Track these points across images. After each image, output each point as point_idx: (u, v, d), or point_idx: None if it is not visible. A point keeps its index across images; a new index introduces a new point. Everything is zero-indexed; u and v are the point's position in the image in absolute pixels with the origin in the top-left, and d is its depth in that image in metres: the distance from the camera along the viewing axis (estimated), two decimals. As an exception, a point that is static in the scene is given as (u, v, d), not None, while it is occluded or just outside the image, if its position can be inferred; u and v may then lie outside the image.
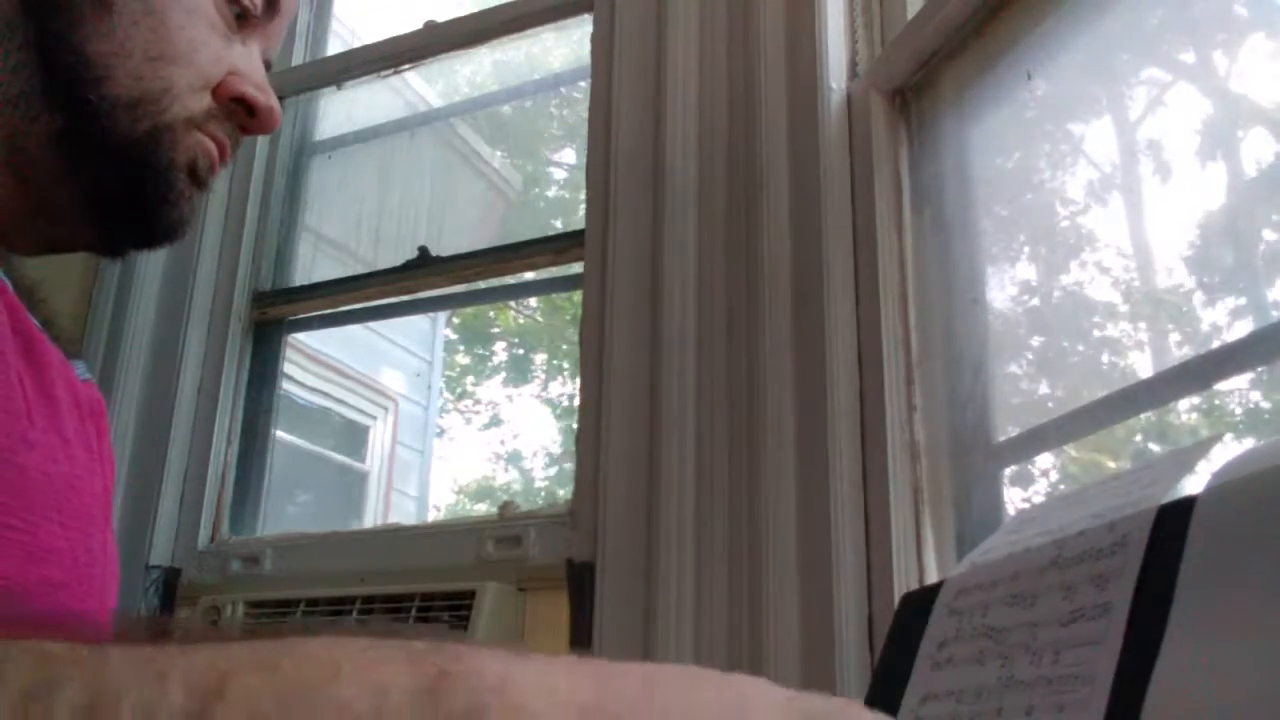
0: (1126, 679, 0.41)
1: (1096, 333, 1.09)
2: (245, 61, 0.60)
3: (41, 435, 0.49)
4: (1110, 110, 1.10)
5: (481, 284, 1.89)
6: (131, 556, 1.69)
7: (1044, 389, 1.16)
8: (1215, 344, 0.91)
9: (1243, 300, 0.96)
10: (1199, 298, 0.98)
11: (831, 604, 1.09)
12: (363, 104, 2.06)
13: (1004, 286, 1.16)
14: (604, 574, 1.29)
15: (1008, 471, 1.09)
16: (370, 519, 2.71)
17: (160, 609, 1.68)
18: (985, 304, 1.13)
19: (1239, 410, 0.93)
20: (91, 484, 0.54)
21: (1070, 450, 1.07)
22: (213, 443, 1.77)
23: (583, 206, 1.55)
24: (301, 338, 2.03)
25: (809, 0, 1.32)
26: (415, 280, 1.82)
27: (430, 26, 1.92)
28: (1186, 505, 0.43)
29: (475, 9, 1.92)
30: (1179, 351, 0.99)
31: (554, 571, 1.36)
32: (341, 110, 2.07)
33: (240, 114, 0.60)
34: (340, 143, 2.07)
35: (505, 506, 1.51)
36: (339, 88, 2.03)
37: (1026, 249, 1.19)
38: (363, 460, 2.74)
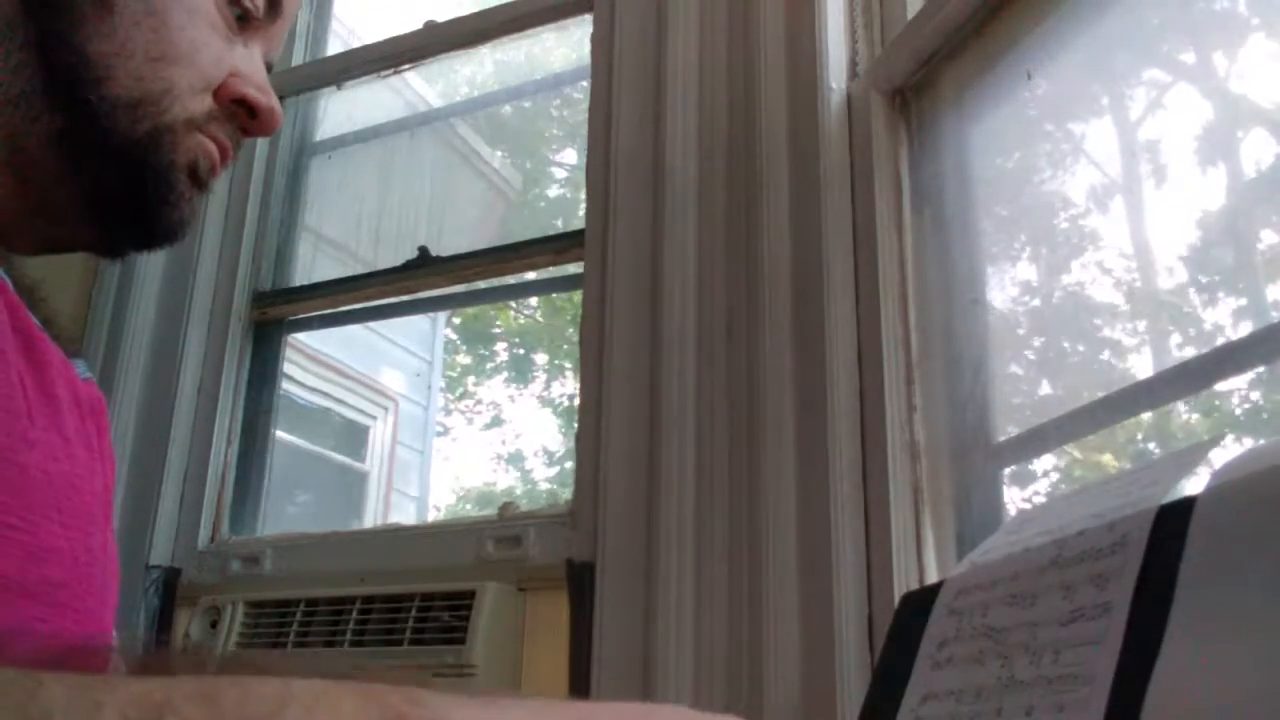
0: (1126, 679, 0.41)
1: (1097, 333, 1.09)
2: (247, 63, 0.60)
3: (42, 434, 0.49)
4: (1110, 110, 1.10)
5: (481, 284, 1.89)
6: (131, 556, 1.69)
7: (1044, 389, 1.16)
8: (1215, 344, 0.91)
9: (1243, 301, 0.96)
10: (1199, 298, 0.98)
11: (831, 604, 1.09)
12: (363, 104, 2.06)
13: (1004, 286, 1.16)
14: (604, 574, 1.29)
15: (1008, 471, 1.09)
16: (370, 519, 2.71)
17: (160, 609, 1.68)
18: (985, 304, 1.13)
19: (1239, 410, 0.93)
20: (92, 483, 0.53)
21: (1073, 451, 1.07)
22: (213, 443, 1.77)
23: (583, 206, 1.55)
24: (301, 338, 2.03)
25: (809, 0, 1.32)
26: (415, 280, 1.82)
27: (430, 26, 1.92)
28: (1186, 505, 0.43)
29: (475, 9, 1.92)
30: (1179, 352, 0.99)
31: (554, 571, 1.36)
32: (341, 110, 2.07)
33: (241, 115, 0.60)
34: (340, 143, 2.07)
35: (505, 506, 1.51)
36: (339, 88, 2.03)
37: (1027, 249, 1.19)
38: (363, 460, 2.74)
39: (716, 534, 1.22)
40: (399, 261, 1.83)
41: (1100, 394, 0.99)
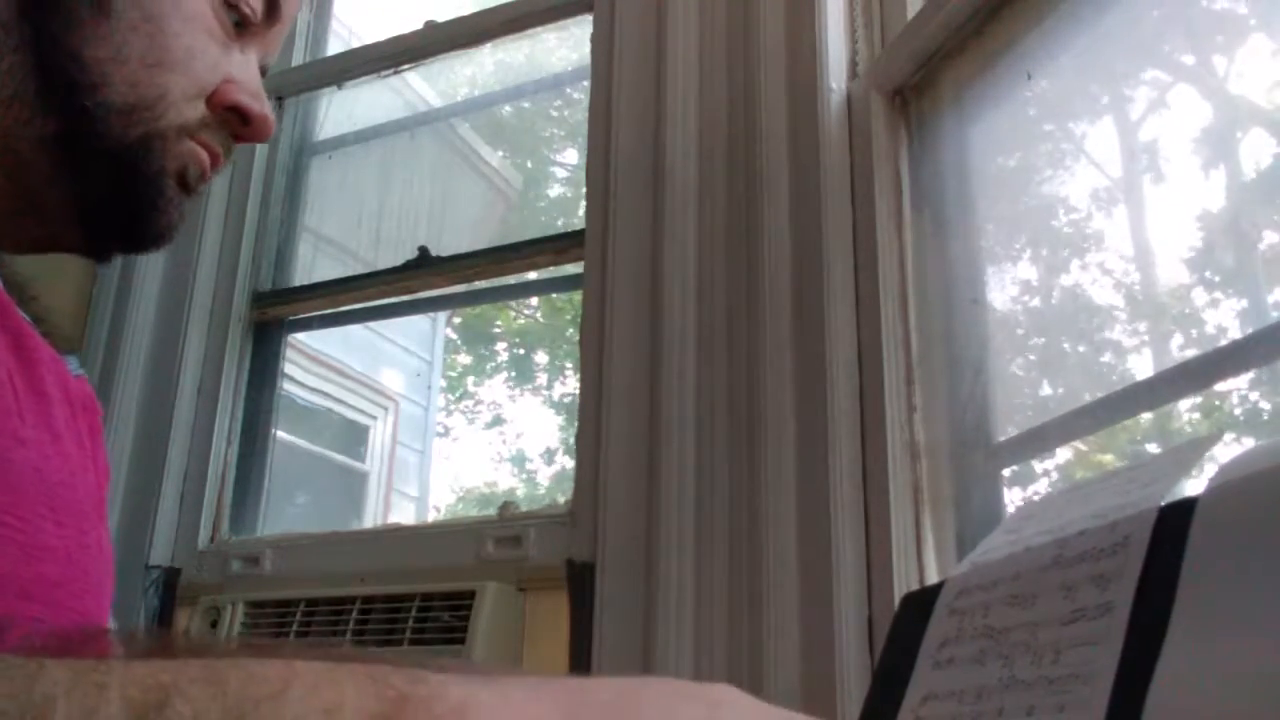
0: (1128, 679, 0.41)
1: (1097, 333, 1.09)
2: (242, 69, 0.60)
3: (32, 432, 0.48)
4: (1110, 111, 1.10)
5: (481, 284, 1.89)
6: (131, 556, 1.69)
7: (1044, 389, 1.16)
8: (1216, 344, 0.91)
9: (1244, 301, 0.96)
10: (1199, 298, 0.98)
11: (831, 604, 1.09)
12: (363, 104, 2.06)
13: (1004, 286, 1.16)
14: (604, 574, 1.29)
15: (1008, 471, 1.09)
16: (370, 519, 2.71)
17: (160, 609, 1.68)
18: (985, 304, 1.13)
19: (1239, 410, 0.93)
20: (84, 480, 0.53)
21: (1077, 446, 1.07)
22: (213, 443, 1.77)
23: (583, 206, 1.55)
24: (301, 338, 2.03)
25: (809, 0, 1.32)
26: (415, 280, 1.82)
27: (430, 26, 1.92)
28: (1188, 505, 0.43)
29: (475, 9, 1.92)
30: (1179, 352, 0.99)
31: (554, 571, 1.36)
32: (341, 110, 2.07)
33: (234, 122, 0.60)
34: (340, 143, 2.07)
35: (505, 506, 1.51)
36: (339, 88, 2.03)
37: (1027, 249, 1.19)
38: (363, 460, 2.74)
39: (716, 534, 1.22)
40: (399, 261, 1.83)
41: (1100, 394, 0.99)
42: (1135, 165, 1.07)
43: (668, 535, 1.24)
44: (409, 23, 1.95)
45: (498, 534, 1.46)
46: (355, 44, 2.10)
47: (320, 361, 2.30)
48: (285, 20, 0.63)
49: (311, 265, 1.99)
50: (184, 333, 1.82)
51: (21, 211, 0.55)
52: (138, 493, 1.74)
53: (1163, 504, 0.45)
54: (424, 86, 2.14)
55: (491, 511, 1.55)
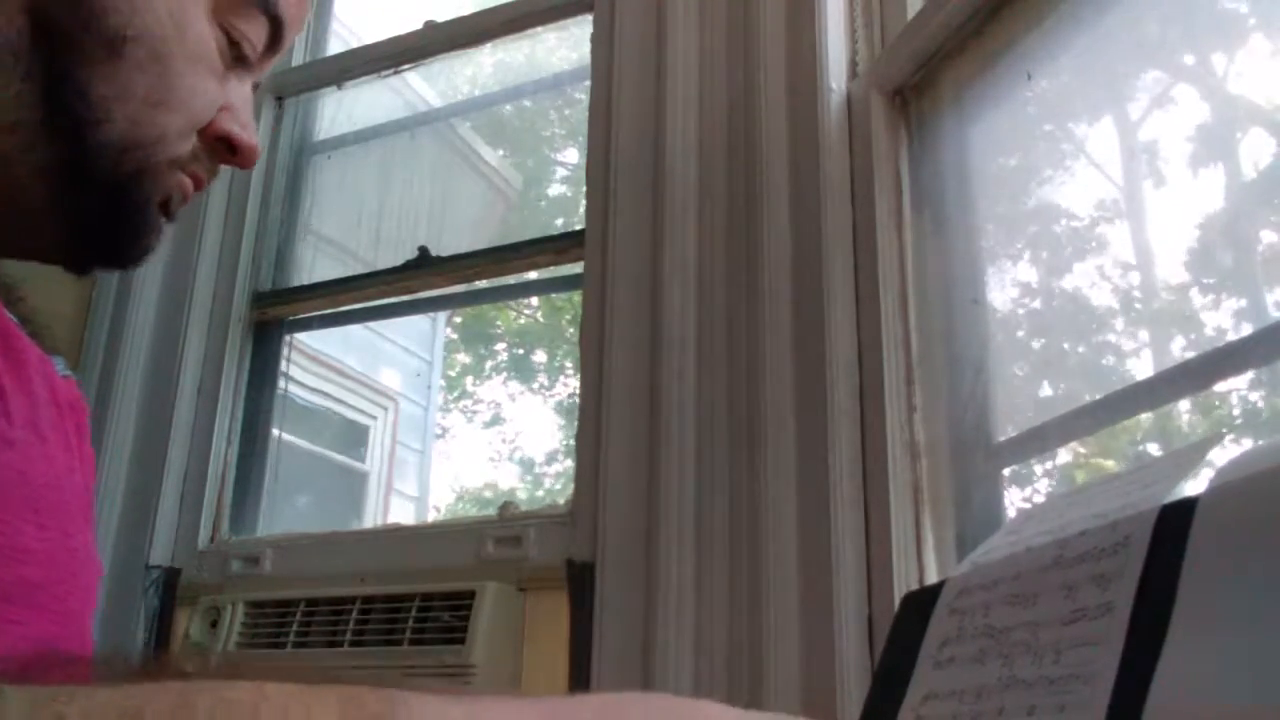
0: (1128, 679, 0.41)
1: (1097, 333, 1.09)
2: (236, 95, 0.60)
3: (19, 433, 0.48)
4: (1110, 111, 1.10)
5: (481, 284, 1.89)
6: (131, 556, 1.69)
7: (1044, 389, 1.16)
8: (1215, 345, 0.91)
9: (1243, 301, 0.97)
10: (1199, 298, 0.99)
11: (831, 604, 1.09)
12: (363, 104, 2.06)
13: (1004, 286, 1.16)
14: (604, 574, 1.29)
15: (1008, 471, 1.09)
16: (370, 519, 2.71)
17: (160, 609, 1.68)
18: (985, 304, 1.13)
19: (1239, 411, 0.93)
20: (71, 482, 0.53)
21: (1078, 449, 1.07)
22: (213, 443, 1.77)
23: (584, 205, 1.55)
24: (301, 338, 2.03)
25: (809, 0, 1.32)
26: (415, 280, 1.82)
27: (430, 26, 1.92)
28: (1189, 505, 0.43)
29: (475, 9, 1.92)
30: (1179, 352, 0.99)
31: (554, 571, 1.36)
32: (341, 110, 2.07)
33: (222, 150, 0.60)
34: (340, 143, 2.07)
35: (505, 506, 1.51)
36: (339, 88, 2.03)
37: (1027, 249, 1.19)
38: (363, 460, 2.74)
39: (716, 534, 1.22)
40: (399, 261, 1.83)
41: (1100, 394, 0.99)
42: (1135, 165, 1.07)
43: (668, 535, 1.24)
44: (409, 23, 1.96)
45: (498, 534, 1.46)
46: (355, 44, 2.10)
47: (320, 361, 2.30)
48: (284, 50, 0.63)
49: (311, 265, 1.99)
50: (184, 333, 1.82)
51: (8, 228, 0.56)
52: (138, 493, 1.74)
53: (1163, 504, 0.45)
54: (424, 86, 2.14)
55: (491, 511, 1.55)
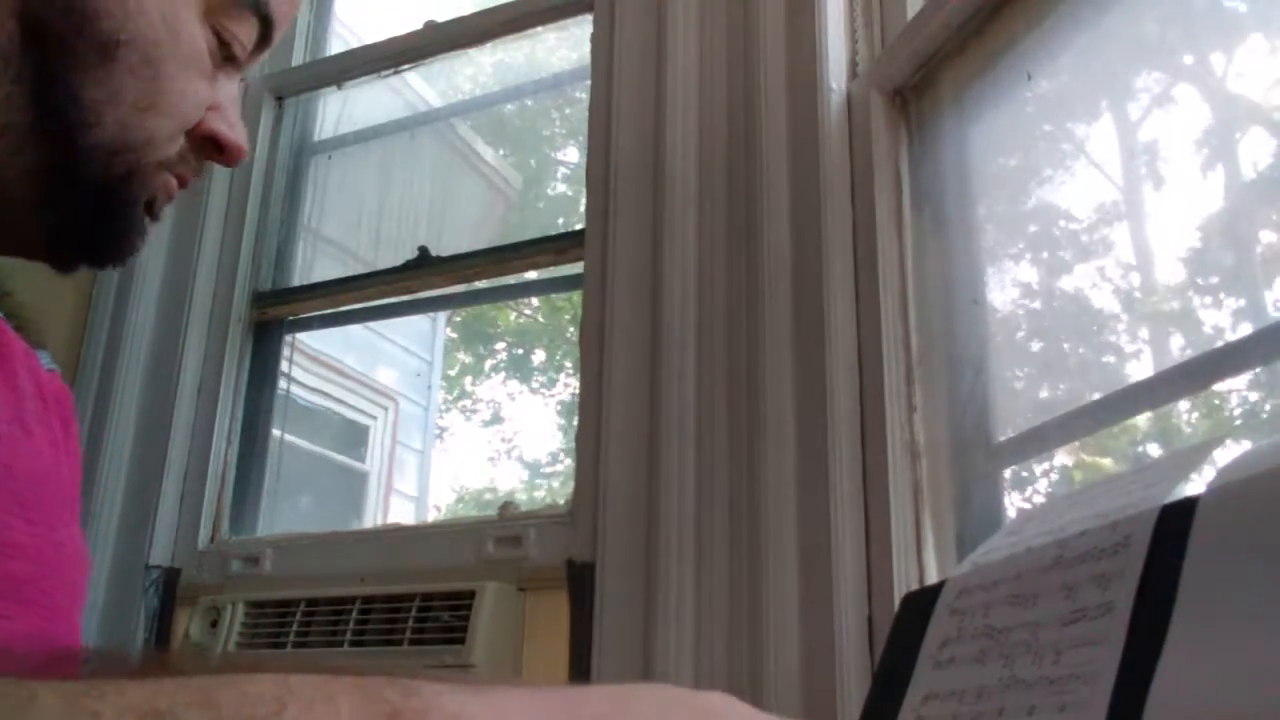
0: (1129, 679, 0.41)
1: (1097, 333, 1.09)
2: (224, 93, 0.60)
3: (4, 427, 0.48)
4: (1110, 111, 1.10)
5: (481, 284, 1.89)
6: (131, 556, 1.69)
7: (1044, 389, 1.16)
8: (1215, 345, 0.91)
9: (1242, 301, 0.97)
10: (1198, 298, 0.99)
11: (831, 604, 1.09)
12: (363, 104, 2.06)
13: (1004, 287, 1.16)
14: (604, 574, 1.29)
15: (1008, 471, 1.09)
16: (370, 519, 2.71)
17: (160, 609, 1.68)
18: (985, 304, 1.13)
19: (1239, 411, 0.93)
20: (57, 477, 0.53)
21: (1077, 449, 1.07)
22: (213, 443, 1.77)
23: (584, 204, 1.55)
24: (302, 338, 2.03)
25: (809, 0, 1.32)
26: (415, 280, 1.82)
27: (430, 26, 1.92)
28: (1189, 505, 0.43)
29: (475, 9, 1.92)
30: (1179, 352, 0.99)
31: (554, 571, 1.36)
32: (342, 110, 2.07)
33: (209, 148, 0.61)
34: (340, 143, 2.07)
35: (505, 506, 1.51)
36: (339, 88, 2.03)
37: (1027, 250, 1.19)
38: (363, 460, 2.73)
39: (716, 534, 1.22)
40: (399, 261, 1.83)
41: (1100, 394, 0.99)
42: (1135, 165, 1.07)
43: (668, 535, 1.24)
44: (409, 23, 1.96)
45: (498, 534, 1.46)
46: (355, 44, 2.10)
47: (320, 361, 2.30)
48: (273, 45, 0.63)
49: (311, 265, 1.98)
50: (184, 333, 1.82)
51: None
52: (138, 493, 1.74)
53: (1163, 504, 0.45)
54: (424, 86, 2.14)
55: (491, 511, 1.55)
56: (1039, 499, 1.09)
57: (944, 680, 0.53)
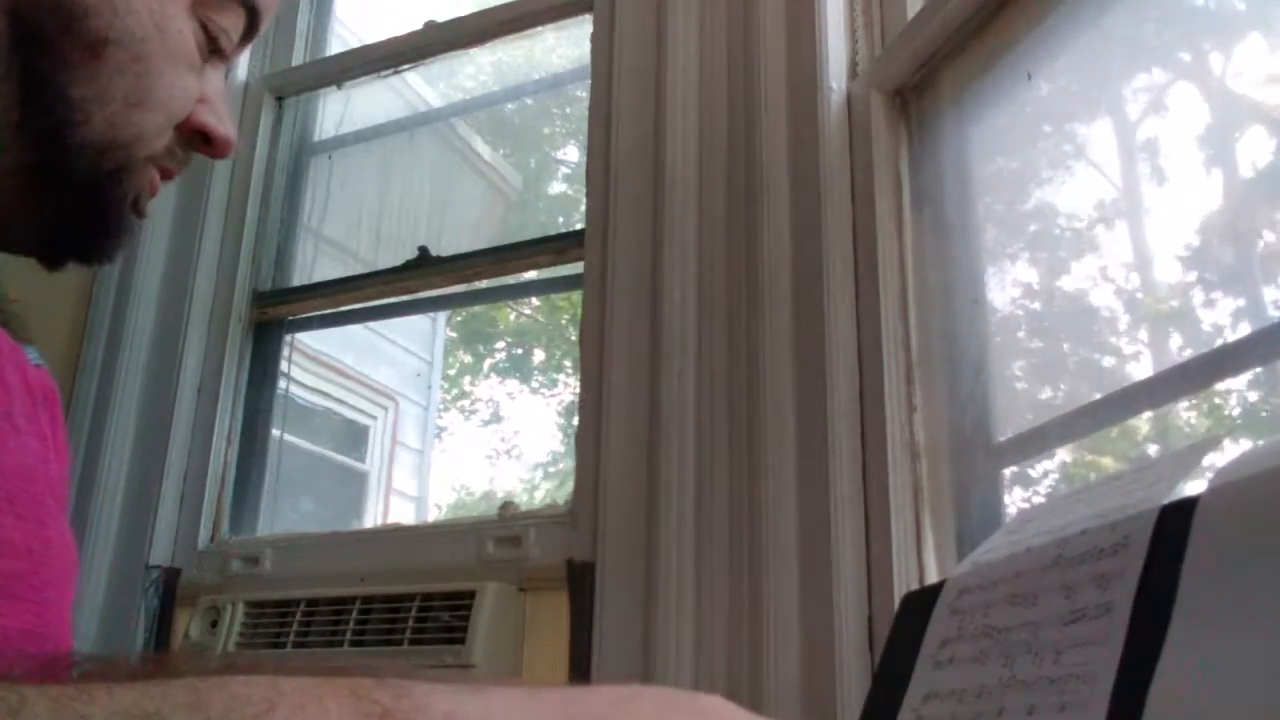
0: (1128, 679, 0.41)
1: (1097, 333, 1.09)
2: (211, 85, 0.60)
3: None
4: (1110, 110, 1.10)
5: (481, 284, 1.89)
6: (131, 556, 1.69)
7: (1045, 389, 1.16)
8: (1215, 344, 0.91)
9: (1241, 301, 0.97)
10: (1198, 298, 0.99)
11: (831, 604, 1.09)
12: (363, 104, 2.06)
13: (1004, 287, 1.16)
14: (604, 574, 1.29)
15: (1008, 471, 1.09)
16: (370, 519, 2.71)
17: (160, 609, 1.68)
18: (985, 304, 1.13)
19: (1238, 411, 0.93)
20: (46, 472, 0.53)
21: (1077, 449, 1.07)
22: (213, 443, 1.77)
23: (584, 204, 1.55)
24: (301, 337, 2.03)
25: (809, 0, 1.32)
26: (415, 280, 1.82)
27: (430, 26, 1.92)
28: (1189, 505, 0.43)
29: (475, 9, 1.92)
30: (1179, 352, 0.99)
31: (554, 571, 1.36)
32: (342, 110, 2.07)
33: (197, 141, 0.61)
34: (340, 143, 2.07)
35: (505, 506, 1.51)
36: (339, 88, 2.03)
37: (1027, 249, 1.19)
38: (363, 460, 2.73)
39: (716, 534, 1.22)
40: (399, 261, 1.83)
41: (1100, 394, 0.99)
42: (1135, 165, 1.07)
43: (668, 535, 1.24)
44: (409, 23, 1.95)
45: (498, 534, 1.46)
46: (355, 44, 2.10)
47: (320, 361, 2.30)
48: (259, 35, 0.63)
49: (311, 265, 1.98)
50: (184, 333, 1.82)
51: None
52: (138, 493, 1.74)
53: (1163, 504, 0.45)
54: (424, 86, 2.14)
55: (491, 511, 1.55)
56: (1039, 499, 1.09)
57: (944, 680, 0.53)
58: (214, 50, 0.59)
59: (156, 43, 0.55)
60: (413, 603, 1.40)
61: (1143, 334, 1.05)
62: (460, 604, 1.37)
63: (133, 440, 1.78)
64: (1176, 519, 0.43)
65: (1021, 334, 1.18)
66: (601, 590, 1.28)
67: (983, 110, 1.19)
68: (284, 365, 1.92)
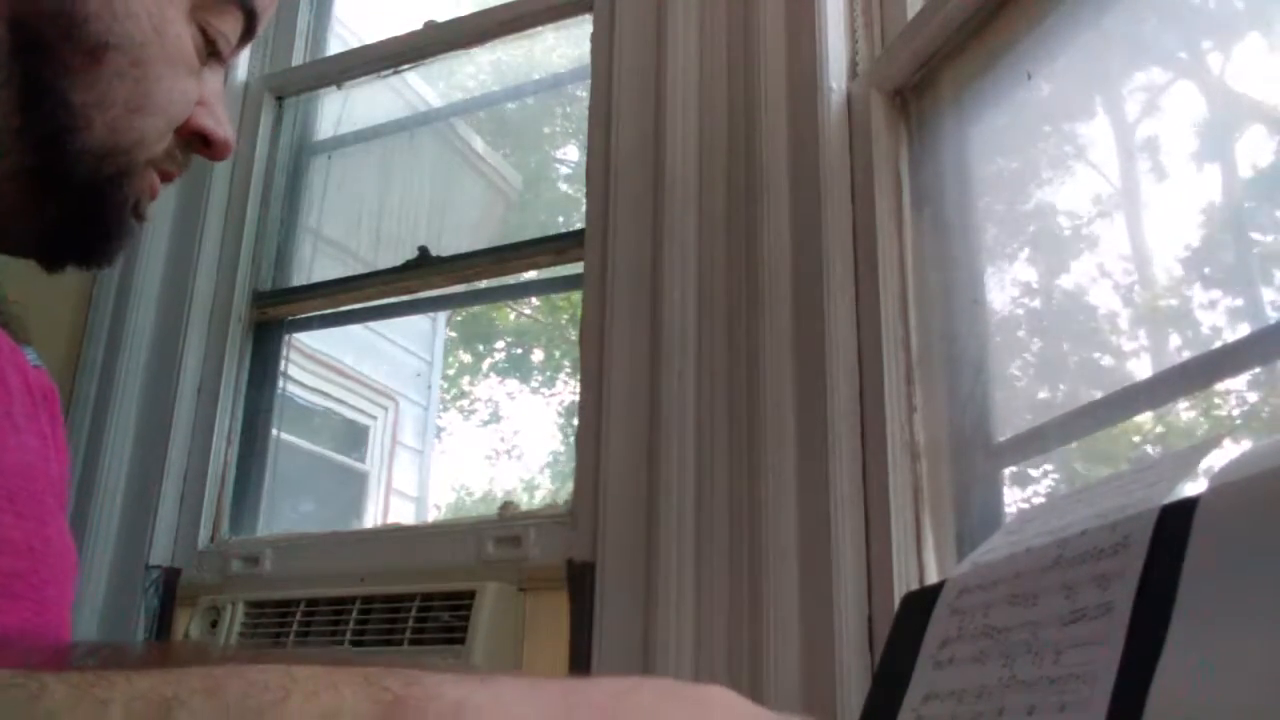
0: (1128, 679, 0.41)
1: (1097, 333, 1.09)
2: (209, 88, 0.60)
3: None
4: (1110, 110, 1.10)
5: (481, 284, 1.89)
6: (131, 556, 1.69)
7: (1044, 389, 1.16)
8: (1214, 344, 0.91)
9: (1239, 301, 0.97)
10: (1198, 298, 0.99)
11: (831, 604, 1.09)
12: (363, 104, 2.06)
13: (1004, 287, 1.16)
14: (604, 574, 1.29)
15: (1008, 471, 1.09)
16: (370, 519, 2.71)
17: (160, 609, 1.68)
18: (985, 304, 1.13)
19: (1239, 411, 0.93)
20: (46, 471, 0.53)
21: (1076, 450, 1.07)
22: (213, 443, 1.77)
23: (585, 203, 1.55)
24: (301, 337, 2.03)
25: (809, 0, 1.32)
26: (415, 280, 1.82)
27: (430, 26, 1.92)
28: (1189, 505, 0.43)
29: (475, 9, 1.92)
30: (1178, 352, 0.99)
31: (554, 571, 1.36)
32: (341, 110, 2.07)
33: (196, 143, 0.61)
34: (340, 143, 2.07)
35: (505, 506, 1.51)
36: (339, 88, 2.03)
37: (1026, 249, 1.19)
38: (363, 460, 2.73)
39: (716, 534, 1.22)
40: (399, 261, 1.83)
41: (1100, 394, 0.99)
42: (1135, 165, 1.07)
43: (668, 535, 1.24)
44: (409, 23, 1.95)
45: (498, 534, 1.46)
46: (355, 44, 2.10)
47: (320, 361, 2.30)
48: (256, 37, 0.63)
49: (311, 265, 1.98)
50: (184, 333, 1.82)
51: None
52: (138, 493, 1.74)
53: (1163, 504, 0.45)
54: (424, 86, 2.14)
55: (491, 511, 1.55)
56: (1039, 499, 1.09)
57: (944, 680, 0.53)
58: (212, 53, 0.59)
59: (156, 47, 0.55)
60: (413, 603, 1.40)
61: (1143, 333, 1.05)
62: (460, 604, 1.37)
63: (133, 440, 1.77)
64: (1176, 519, 0.43)
65: (1021, 334, 1.18)
66: (601, 590, 1.29)
67: (983, 110, 1.19)
68: (284, 365, 1.92)
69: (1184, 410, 0.97)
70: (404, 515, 3.18)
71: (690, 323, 1.32)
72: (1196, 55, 1.04)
